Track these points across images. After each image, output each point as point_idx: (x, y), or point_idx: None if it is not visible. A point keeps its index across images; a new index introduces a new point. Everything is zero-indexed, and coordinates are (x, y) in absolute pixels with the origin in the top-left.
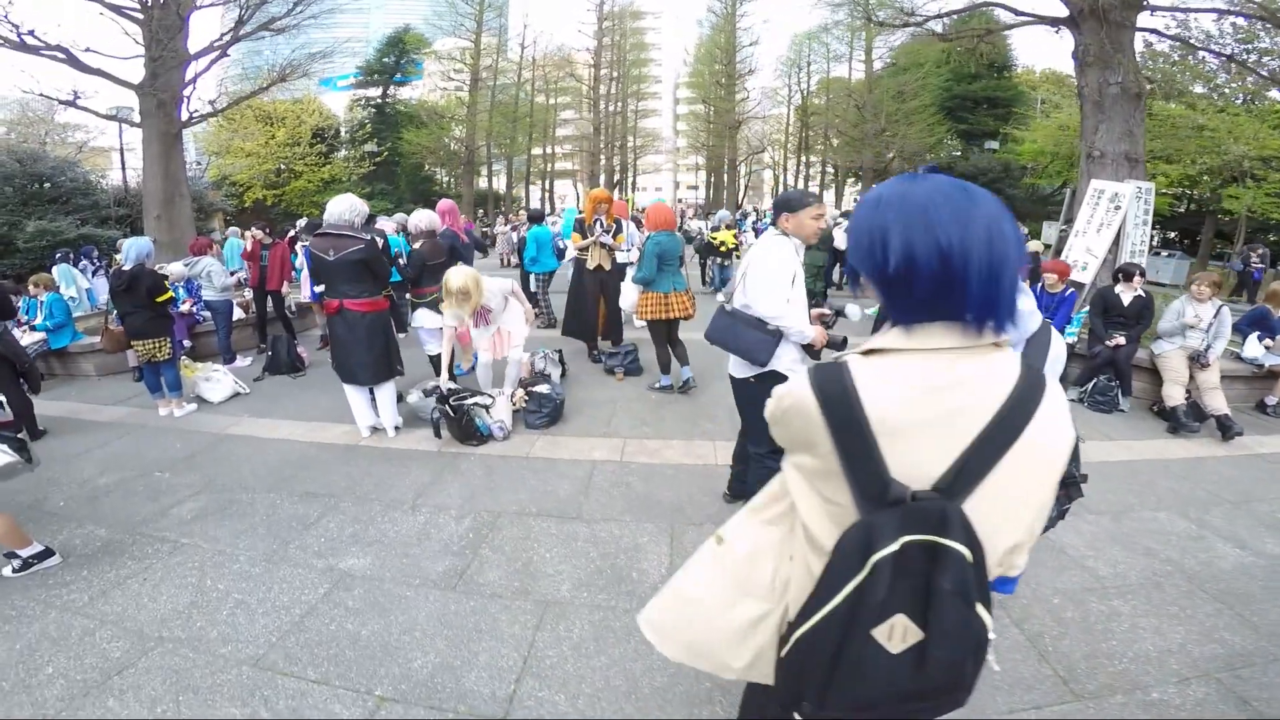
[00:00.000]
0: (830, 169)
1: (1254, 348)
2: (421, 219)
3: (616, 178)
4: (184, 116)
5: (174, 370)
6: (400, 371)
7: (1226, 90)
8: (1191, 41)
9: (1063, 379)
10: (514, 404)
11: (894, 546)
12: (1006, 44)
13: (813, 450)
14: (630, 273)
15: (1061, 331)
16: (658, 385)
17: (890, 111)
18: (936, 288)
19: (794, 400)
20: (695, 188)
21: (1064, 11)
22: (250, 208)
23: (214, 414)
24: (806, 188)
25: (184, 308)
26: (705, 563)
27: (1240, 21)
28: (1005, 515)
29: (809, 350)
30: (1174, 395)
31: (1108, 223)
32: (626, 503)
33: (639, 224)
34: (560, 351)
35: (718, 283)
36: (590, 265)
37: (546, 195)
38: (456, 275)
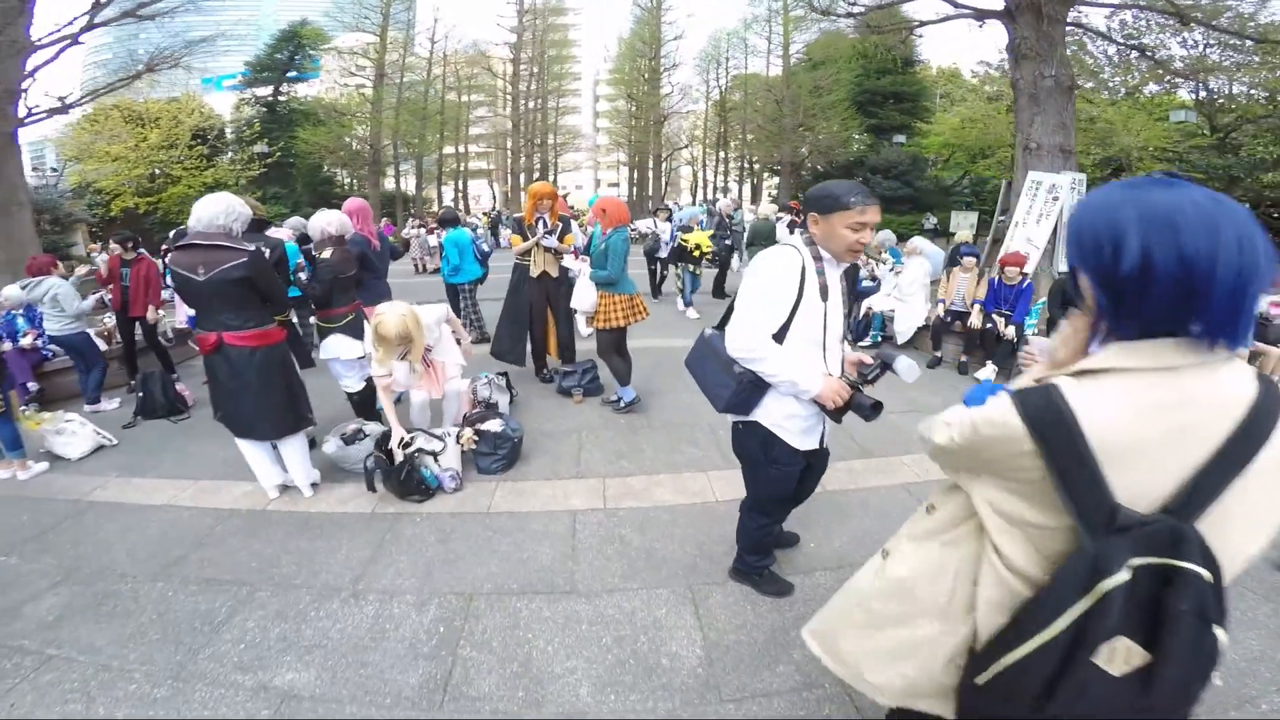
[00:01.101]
0: (748, 164)
1: None
2: (329, 222)
3: (536, 176)
4: (20, 113)
5: (10, 425)
6: (310, 421)
7: (1110, 85)
8: (1114, 37)
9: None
10: (462, 446)
11: (1125, 575)
12: (914, 39)
13: (1014, 476)
14: (584, 272)
15: (1021, 323)
16: (623, 404)
17: (808, 106)
18: (1175, 298)
19: (996, 429)
20: (616, 185)
21: (999, 4)
22: (120, 218)
23: (72, 475)
24: (726, 183)
25: (25, 342)
26: (868, 576)
27: (1127, 18)
28: (1242, 534)
29: (829, 411)
30: None
31: (1046, 213)
32: (627, 564)
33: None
34: (506, 375)
35: (690, 296)
36: (534, 273)
37: (460, 195)
38: (392, 318)
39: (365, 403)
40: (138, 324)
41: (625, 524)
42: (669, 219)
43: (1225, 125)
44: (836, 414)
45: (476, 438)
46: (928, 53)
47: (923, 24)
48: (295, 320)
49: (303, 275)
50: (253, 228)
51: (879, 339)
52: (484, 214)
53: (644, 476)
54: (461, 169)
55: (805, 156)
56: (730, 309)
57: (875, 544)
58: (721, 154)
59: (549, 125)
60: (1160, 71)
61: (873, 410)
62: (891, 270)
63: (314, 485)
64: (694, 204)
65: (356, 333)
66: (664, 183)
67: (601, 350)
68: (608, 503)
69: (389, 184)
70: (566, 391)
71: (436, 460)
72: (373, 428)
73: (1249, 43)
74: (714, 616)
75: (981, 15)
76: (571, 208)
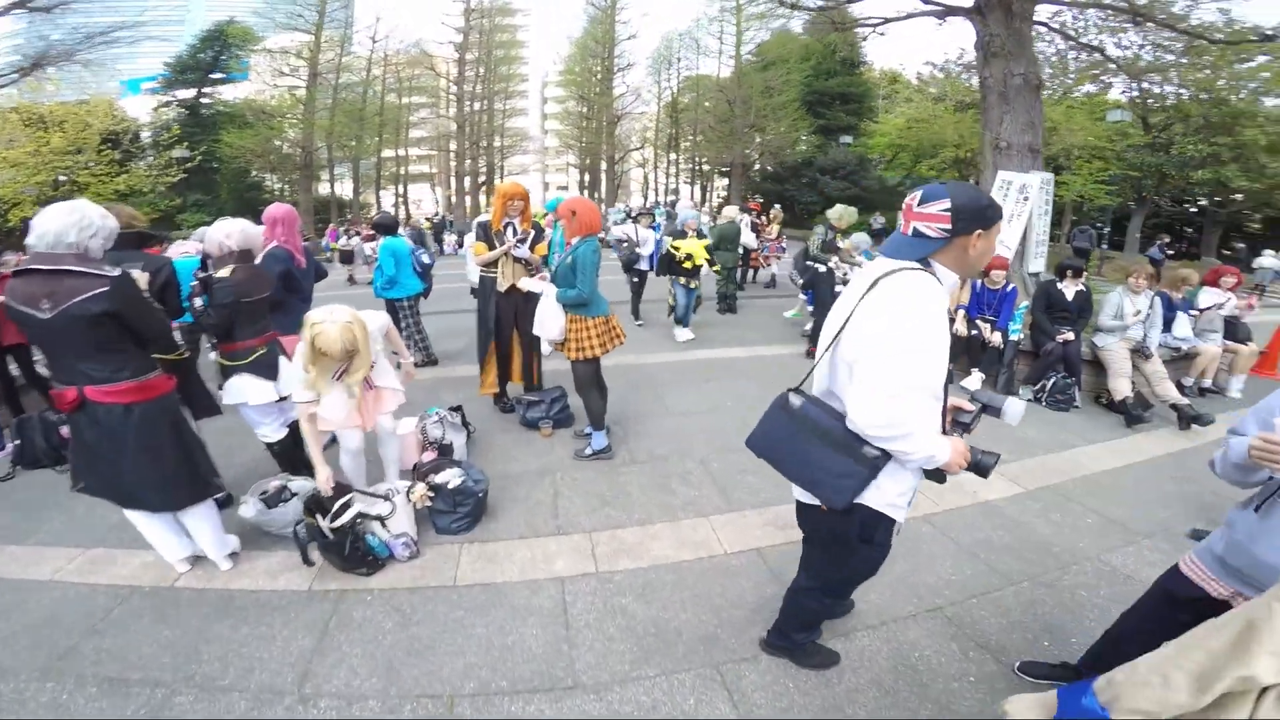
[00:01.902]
0: (698, 165)
1: (1184, 327)
2: (229, 233)
3: (481, 179)
4: None
5: None
6: (216, 488)
7: (1048, 85)
8: (1071, 34)
9: (1012, 378)
10: (413, 503)
11: None
12: (860, 40)
13: None
14: (548, 293)
15: (1005, 329)
16: (589, 451)
17: (759, 106)
18: None
19: None
20: (565, 188)
21: (967, 1)
22: (19, 229)
23: None
24: (677, 185)
25: None
26: None
27: (1068, 19)
28: None
29: (933, 474)
30: (1121, 388)
31: (1018, 214)
32: (635, 644)
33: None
34: (460, 408)
35: (681, 313)
36: (501, 286)
37: (401, 200)
38: (333, 330)
39: (289, 453)
40: (11, 355)
41: (624, 591)
42: (652, 225)
43: (1157, 124)
44: (943, 475)
45: (432, 494)
46: (872, 55)
47: (887, 20)
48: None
49: (199, 301)
50: (130, 243)
51: None
52: (427, 219)
53: (636, 528)
54: (401, 172)
55: (755, 157)
56: (821, 367)
57: (913, 590)
58: (672, 155)
59: (494, 127)
60: (1095, 72)
61: (993, 467)
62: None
63: (232, 556)
64: (645, 205)
65: (269, 371)
66: (616, 185)
67: (579, 385)
68: (599, 564)
69: (324, 189)
70: (532, 424)
71: (384, 525)
72: (301, 484)
73: (1178, 44)
74: (752, 701)
75: (949, 12)
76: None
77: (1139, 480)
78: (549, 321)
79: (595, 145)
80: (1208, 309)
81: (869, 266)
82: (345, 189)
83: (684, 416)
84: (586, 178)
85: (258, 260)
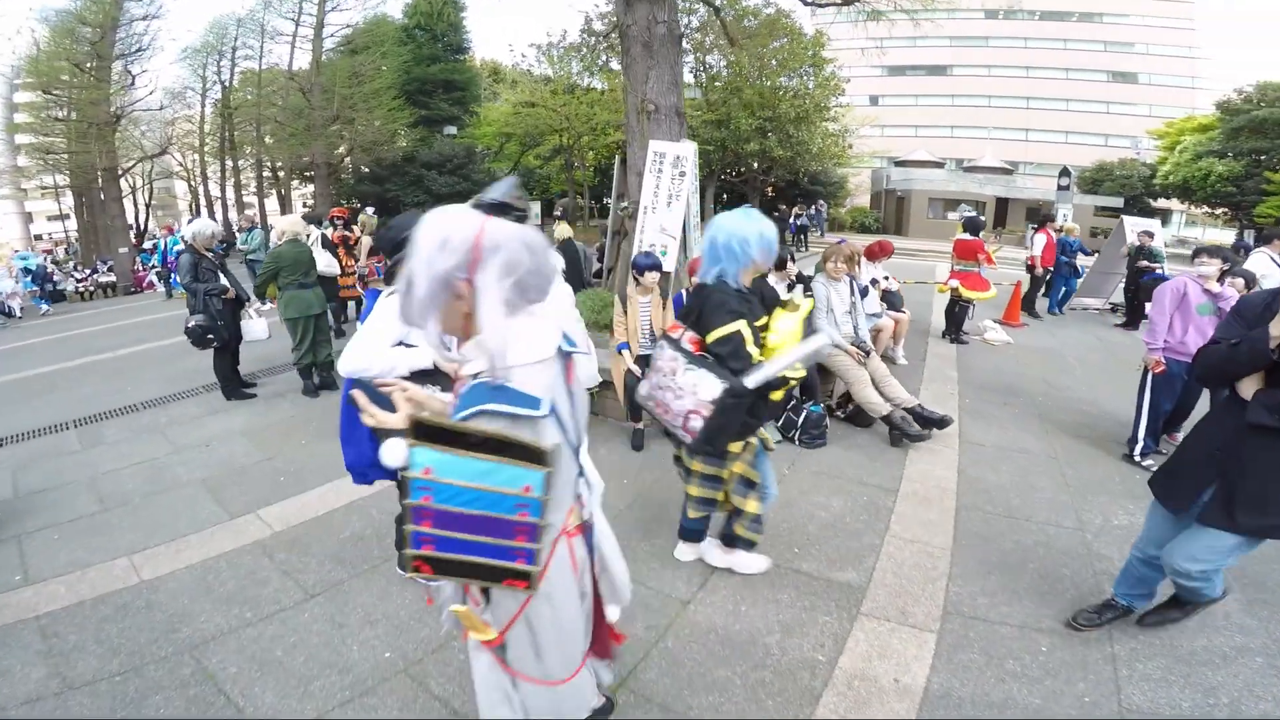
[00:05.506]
0: (271, 171)
1: (875, 303)
2: None
3: None
4: None
5: None
6: None
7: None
8: None
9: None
10: None
11: None
12: (463, 24)
13: None
14: None
15: None
16: None
17: (344, 95)
18: None
19: None
20: (67, 216)
21: None
22: None
23: None
24: (239, 196)
25: None
26: None
27: None
28: None
29: None
30: (871, 399)
31: (676, 193)
32: None
33: None
34: None
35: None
36: None
37: None
38: None
39: None
40: None
41: None
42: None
43: (716, 101)
44: None
45: None
46: (476, 43)
47: None
48: None
49: None
50: None
51: None
52: None
53: None
54: None
55: (344, 155)
56: None
57: None
58: (229, 161)
59: None
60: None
61: None
62: None
63: None
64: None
65: None
66: (146, 204)
67: None
68: None
69: None
70: None
71: None
72: None
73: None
74: None
75: None
76: None
77: (990, 544)
78: None
79: (86, 156)
80: (875, 281)
81: None
82: None
83: None
84: (84, 199)
85: None
